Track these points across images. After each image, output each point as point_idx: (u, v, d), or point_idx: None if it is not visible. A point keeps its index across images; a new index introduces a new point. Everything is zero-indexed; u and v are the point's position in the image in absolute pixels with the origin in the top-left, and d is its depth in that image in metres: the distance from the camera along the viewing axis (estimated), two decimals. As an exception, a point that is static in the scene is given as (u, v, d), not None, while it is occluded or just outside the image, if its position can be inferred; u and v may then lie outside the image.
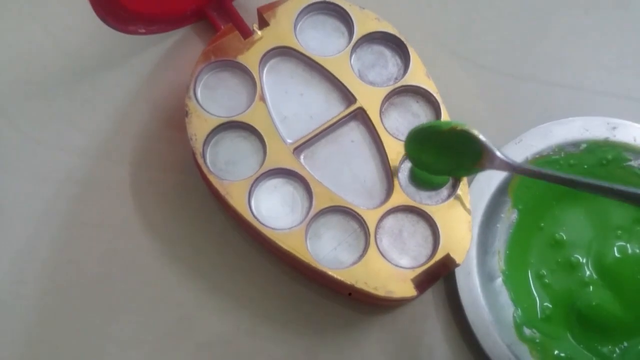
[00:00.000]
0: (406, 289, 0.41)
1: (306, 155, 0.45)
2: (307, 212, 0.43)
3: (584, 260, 0.46)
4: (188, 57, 0.48)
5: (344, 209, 0.43)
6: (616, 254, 0.46)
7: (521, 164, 0.39)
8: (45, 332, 0.46)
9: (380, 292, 0.41)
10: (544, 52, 0.51)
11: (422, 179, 0.44)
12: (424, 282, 0.43)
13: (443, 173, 0.43)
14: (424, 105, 0.45)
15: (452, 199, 0.43)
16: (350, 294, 0.42)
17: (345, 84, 0.45)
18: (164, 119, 0.49)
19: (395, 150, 0.44)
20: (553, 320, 0.45)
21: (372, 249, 0.42)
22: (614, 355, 0.44)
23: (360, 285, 0.41)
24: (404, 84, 0.45)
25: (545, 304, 0.45)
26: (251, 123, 0.44)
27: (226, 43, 0.45)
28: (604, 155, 0.47)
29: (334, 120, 0.45)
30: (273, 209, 0.43)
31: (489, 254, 0.46)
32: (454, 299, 0.45)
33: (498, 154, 0.39)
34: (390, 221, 0.43)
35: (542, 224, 0.47)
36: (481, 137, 0.39)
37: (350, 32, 0.46)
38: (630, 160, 0.47)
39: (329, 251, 0.42)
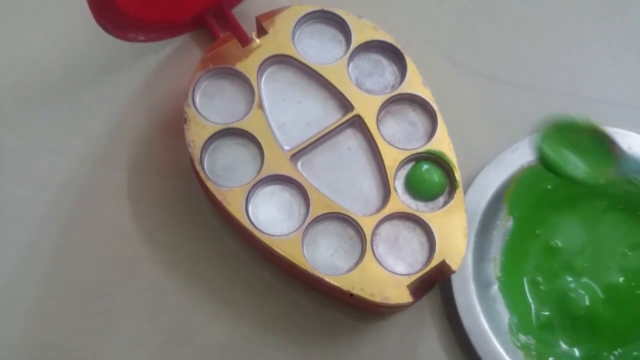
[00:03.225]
0: (402, 295, 0.42)
1: (303, 162, 0.45)
2: (304, 219, 0.43)
3: (579, 268, 0.46)
4: (186, 64, 0.48)
5: (340, 215, 0.43)
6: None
7: None
8: (44, 337, 0.46)
9: (377, 299, 0.41)
10: (541, 60, 0.52)
11: (418, 188, 0.44)
12: (420, 288, 0.43)
13: (564, 174, 0.41)
14: (420, 114, 0.46)
15: (448, 206, 0.43)
16: (351, 296, 0.42)
17: (343, 91, 0.45)
18: (162, 125, 0.49)
19: (392, 157, 0.44)
20: (548, 326, 0.45)
21: (369, 255, 0.42)
22: (609, 361, 0.45)
23: (356, 291, 0.41)
24: (401, 92, 0.45)
25: (541, 310, 0.46)
26: (249, 130, 0.44)
27: (225, 51, 0.46)
28: (599, 164, 0.47)
29: (331, 127, 0.45)
30: (270, 216, 0.43)
31: (484, 261, 0.46)
32: (450, 305, 0.45)
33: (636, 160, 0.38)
34: (386, 228, 0.43)
35: (538, 232, 0.47)
36: (616, 140, 0.38)
37: (348, 41, 0.46)
38: (626, 168, 0.47)
39: (325, 257, 0.43)
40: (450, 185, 0.44)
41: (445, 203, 0.44)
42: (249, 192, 0.43)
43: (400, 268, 0.43)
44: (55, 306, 0.46)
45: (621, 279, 0.46)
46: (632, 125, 0.48)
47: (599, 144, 0.39)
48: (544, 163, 0.41)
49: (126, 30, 0.46)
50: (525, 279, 0.46)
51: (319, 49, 0.47)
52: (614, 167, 0.38)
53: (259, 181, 0.43)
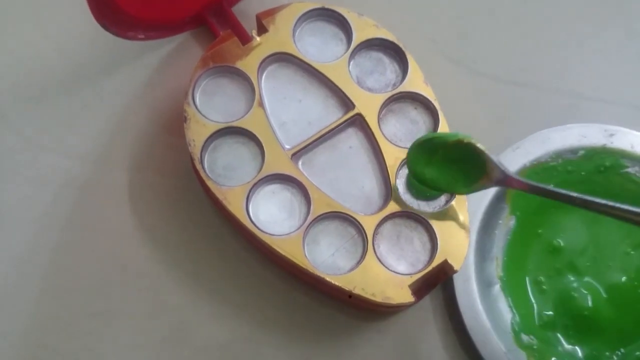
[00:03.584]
0: (404, 295, 0.41)
1: (304, 161, 0.45)
2: (305, 218, 0.43)
3: (582, 267, 0.46)
4: (187, 62, 0.48)
5: (341, 214, 0.43)
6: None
7: (529, 181, 0.39)
8: (44, 337, 0.46)
9: (378, 298, 0.41)
10: (542, 59, 0.51)
11: (420, 187, 0.44)
12: (422, 288, 0.43)
13: (443, 188, 0.43)
14: (422, 112, 0.46)
15: (450, 205, 0.43)
16: (350, 297, 0.42)
17: (344, 90, 0.45)
18: (162, 124, 0.49)
19: (394, 156, 0.44)
20: (550, 326, 0.45)
21: (370, 255, 0.42)
22: (612, 362, 0.45)
23: (357, 291, 0.41)
24: (402, 90, 0.45)
25: (543, 310, 0.45)
26: (249, 129, 0.44)
27: (225, 49, 0.46)
28: (601, 162, 0.47)
29: (332, 126, 0.45)
30: (271, 215, 0.43)
31: (487, 261, 0.46)
32: (452, 305, 0.45)
33: (505, 169, 0.39)
34: (388, 227, 0.43)
35: (540, 231, 0.47)
36: (487, 152, 0.39)
37: (349, 39, 0.46)
38: (628, 167, 0.47)
39: (326, 257, 0.42)
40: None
41: (447, 202, 0.43)
42: (250, 191, 0.43)
43: (402, 268, 0.42)
44: (55, 306, 0.46)
45: (624, 279, 0.46)
46: (633, 124, 0.48)
47: (472, 155, 0.40)
48: (412, 174, 0.43)
49: (126, 28, 0.46)
50: (527, 279, 0.46)
51: (320, 47, 0.46)
52: (488, 175, 0.40)
53: (259, 180, 0.43)
